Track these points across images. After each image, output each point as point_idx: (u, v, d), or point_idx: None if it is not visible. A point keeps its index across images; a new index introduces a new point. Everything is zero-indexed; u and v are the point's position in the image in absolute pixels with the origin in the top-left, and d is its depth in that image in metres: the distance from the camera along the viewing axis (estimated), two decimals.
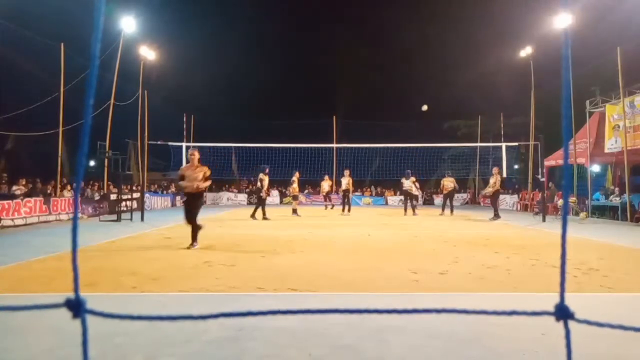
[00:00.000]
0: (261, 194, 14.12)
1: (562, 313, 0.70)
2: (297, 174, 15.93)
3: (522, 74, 21.04)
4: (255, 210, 14.09)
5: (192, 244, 7.44)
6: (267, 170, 14.23)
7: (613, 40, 15.84)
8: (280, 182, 24.33)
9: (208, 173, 7.89)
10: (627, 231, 11.37)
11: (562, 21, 13.86)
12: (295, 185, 15.92)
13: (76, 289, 0.64)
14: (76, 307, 0.64)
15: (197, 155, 7.94)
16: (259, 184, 14.11)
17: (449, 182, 16.88)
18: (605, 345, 2.97)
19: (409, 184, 16.39)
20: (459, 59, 31.32)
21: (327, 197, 19.44)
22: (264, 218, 13.75)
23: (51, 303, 0.67)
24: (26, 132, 15.65)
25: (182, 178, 7.73)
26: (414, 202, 16.72)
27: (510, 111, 25.47)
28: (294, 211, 15.67)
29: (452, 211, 16.79)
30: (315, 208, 21.45)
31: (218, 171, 23.42)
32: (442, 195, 17.86)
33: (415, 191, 16.85)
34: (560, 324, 0.75)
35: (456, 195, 26.71)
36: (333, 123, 26.17)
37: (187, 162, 8.91)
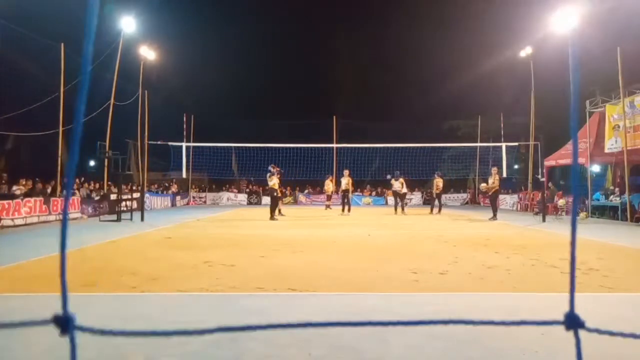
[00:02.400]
0: (275, 194, 14.06)
1: (572, 322, 0.69)
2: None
3: (522, 74, 21.05)
4: (272, 211, 13.93)
5: None
6: (270, 168, 14.10)
7: (613, 40, 15.85)
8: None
9: None
10: (627, 231, 11.37)
11: (567, 22, 13.86)
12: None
13: (64, 304, 0.62)
14: (64, 323, 0.61)
15: None
16: (269, 183, 13.99)
17: (440, 181, 17.45)
18: (605, 346, 2.97)
19: (398, 184, 16.66)
20: (459, 59, 31.27)
21: (331, 197, 19.47)
22: (272, 218, 13.70)
23: (38, 320, 0.64)
24: (26, 132, 15.64)
25: None
26: (404, 202, 17.14)
27: (510, 111, 25.46)
28: (279, 211, 15.37)
29: (432, 210, 17.30)
30: (315, 208, 21.46)
31: (218, 171, 23.45)
32: (436, 195, 17.99)
33: (403, 190, 17.10)
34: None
35: (456, 195, 26.87)
36: (333, 123, 26.16)
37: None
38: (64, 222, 0.65)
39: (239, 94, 32.68)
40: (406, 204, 17.27)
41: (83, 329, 0.62)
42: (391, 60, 35.70)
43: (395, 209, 16.90)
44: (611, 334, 0.71)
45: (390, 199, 25.85)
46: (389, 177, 17.53)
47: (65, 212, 0.65)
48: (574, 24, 13.22)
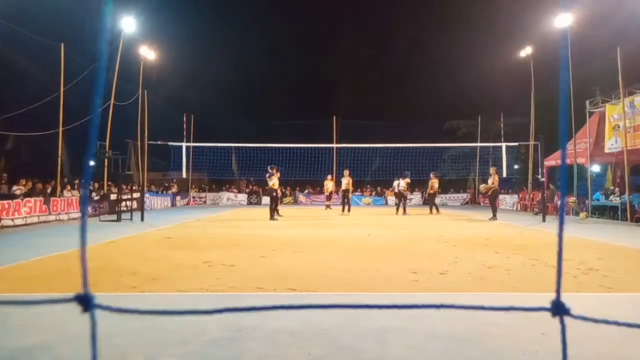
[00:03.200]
0: (274, 194, 14.09)
1: (558, 309, 0.71)
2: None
3: (522, 74, 21.04)
4: (271, 211, 13.99)
5: None
6: (269, 169, 14.12)
7: (613, 40, 15.85)
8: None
9: None
10: (627, 231, 11.37)
11: (561, 22, 13.86)
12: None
13: (85, 284, 0.67)
14: (85, 301, 0.66)
15: None
16: (269, 183, 13.99)
17: (435, 182, 17.35)
18: (606, 346, 2.97)
19: (403, 184, 16.61)
20: (459, 59, 31.30)
21: (330, 196, 19.49)
22: (272, 218, 13.70)
23: (61, 297, 0.68)
24: (26, 132, 15.64)
25: None
26: (405, 202, 17.07)
27: (510, 111, 25.46)
28: (276, 211, 14.69)
29: (432, 210, 17.18)
30: (315, 208, 21.46)
31: (218, 171, 23.45)
32: (430, 195, 17.88)
33: (405, 191, 17.09)
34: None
35: (456, 195, 26.87)
36: (333, 123, 26.16)
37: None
38: (83, 211, 0.68)
39: (239, 94, 32.68)
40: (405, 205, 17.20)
41: (102, 307, 0.67)
42: (391, 60, 35.72)
43: (397, 210, 16.88)
44: (595, 321, 0.73)
45: (390, 199, 25.89)
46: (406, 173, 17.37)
47: (84, 200, 0.67)
48: (570, 23, 13.21)
